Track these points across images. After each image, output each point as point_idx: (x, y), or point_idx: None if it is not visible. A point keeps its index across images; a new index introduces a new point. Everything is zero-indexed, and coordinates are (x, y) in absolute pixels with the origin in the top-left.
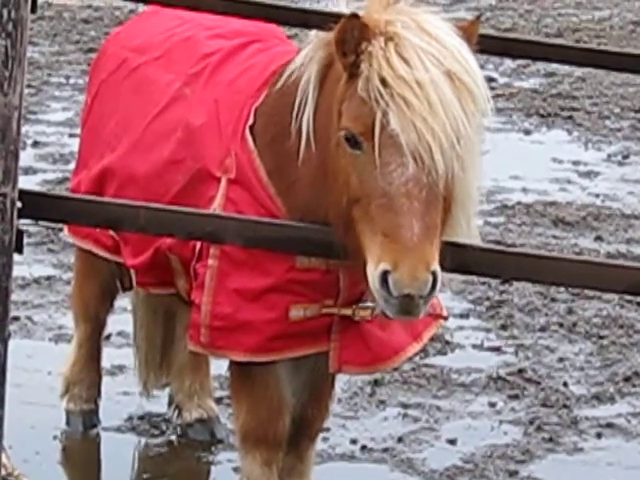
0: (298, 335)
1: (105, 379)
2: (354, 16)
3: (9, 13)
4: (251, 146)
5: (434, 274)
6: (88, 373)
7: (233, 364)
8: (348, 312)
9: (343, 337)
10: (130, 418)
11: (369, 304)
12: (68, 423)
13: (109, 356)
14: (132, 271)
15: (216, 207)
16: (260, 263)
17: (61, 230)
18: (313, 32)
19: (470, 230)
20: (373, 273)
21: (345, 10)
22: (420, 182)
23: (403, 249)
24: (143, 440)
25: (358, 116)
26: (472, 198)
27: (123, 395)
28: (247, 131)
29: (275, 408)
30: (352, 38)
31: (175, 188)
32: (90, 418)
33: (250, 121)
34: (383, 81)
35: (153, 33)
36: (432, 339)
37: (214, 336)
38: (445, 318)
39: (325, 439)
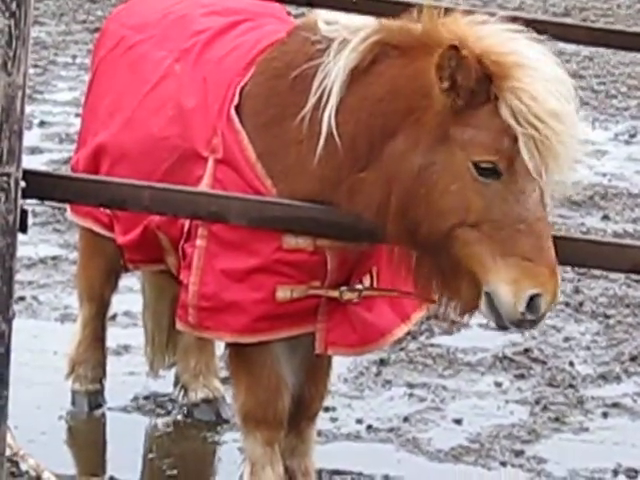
0: (285, 316)
1: (111, 359)
2: (453, 47)
3: None
4: (238, 126)
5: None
6: (93, 353)
7: (229, 345)
8: (335, 294)
9: (329, 319)
10: (136, 398)
11: (357, 286)
12: (74, 403)
13: (115, 336)
14: (123, 248)
15: (204, 187)
16: (247, 244)
17: (67, 210)
18: (316, 12)
19: None
20: (515, 296)
21: None
22: (544, 206)
23: (550, 273)
24: (149, 420)
25: (499, 148)
26: None
27: (129, 375)
28: (232, 111)
29: (274, 388)
30: (449, 67)
31: (164, 166)
32: (95, 398)
33: (235, 101)
34: (535, 115)
35: (151, 11)
36: (437, 318)
37: (201, 316)
38: (433, 301)
39: (331, 419)
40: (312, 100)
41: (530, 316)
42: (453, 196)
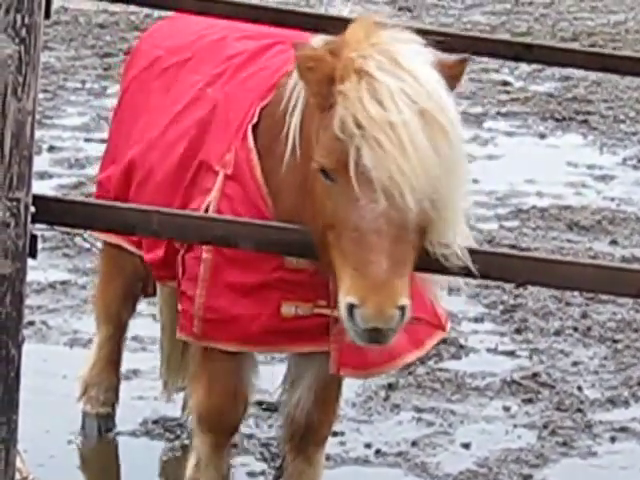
0: (293, 332)
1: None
2: (302, 49)
3: (22, 19)
4: (251, 144)
5: (402, 308)
6: (107, 376)
7: (198, 349)
8: None
9: (342, 340)
10: (145, 422)
11: None
12: (83, 426)
13: (124, 360)
14: (150, 265)
15: (211, 200)
16: (250, 260)
17: (76, 235)
18: (318, 37)
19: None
20: (341, 302)
21: (353, 15)
22: (391, 219)
23: (371, 286)
24: (157, 444)
25: (332, 152)
26: (457, 219)
27: (138, 399)
28: (249, 130)
29: (230, 396)
30: (320, 76)
31: (184, 184)
32: (106, 422)
33: (254, 120)
34: (356, 122)
35: (186, 33)
36: (446, 343)
37: (206, 328)
38: (444, 330)
39: (340, 443)
40: (289, 119)
41: (355, 327)
42: (317, 197)
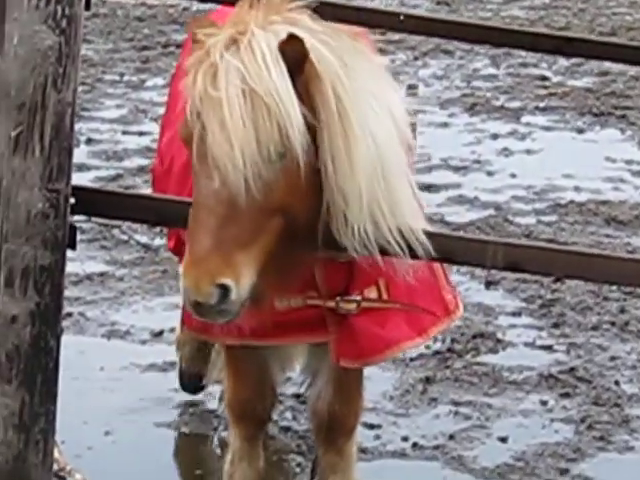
0: (288, 324)
1: (157, 375)
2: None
3: (63, 10)
4: None
5: (223, 287)
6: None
7: (224, 345)
8: (332, 304)
9: (338, 330)
10: (182, 414)
11: (353, 297)
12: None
13: (161, 352)
14: None
15: None
16: None
17: (114, 227)
18: None
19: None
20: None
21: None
22: (220, 197)
23: (191, 261)
24: (195, 436)
25: (186, 125)
26: (356, 206)
27: (174, 392)
28: None
29: (256, 389)
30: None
31: None
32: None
33: None
34: (195, 96)
35: None
36: (483, 337)
37: (205, 322)
38: (451, 318)
39: (377, 437)
40: None
41: (184, 300)
42: None
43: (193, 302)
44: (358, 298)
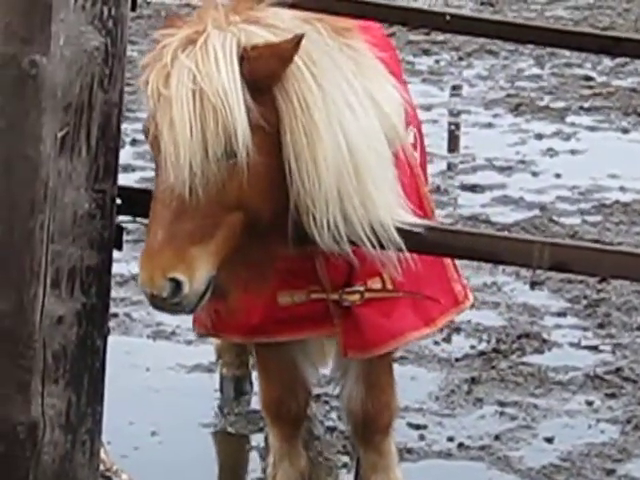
0: (293, 319)
1: (202, 376)
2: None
3: (109, 10)
4: None
5: (174, 281)
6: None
7: (254, 346)
8: (335, 297)
9: (343, 323)
10: (227, 414)
11: (357, 288)
12: (221, 389)
13: (206, 353)
14: None
15: None
16: None
17: None
18: None
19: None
20: None
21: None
22: (173, 192)
23: (145, 254)
24: (241, 437)
25: (147, 119)
26: (321, 200)
27: (220, 392)
28: None
29: (287, 388)
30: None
31: None
32: (241, 384)
33: None
34: (152, 93)
35: None
36: (529, 337)
37: (214, 322)
38: (460, 307)
39: (422, 437)
40: None
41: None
42: None
43: (149, 294)
44: (361, 289)
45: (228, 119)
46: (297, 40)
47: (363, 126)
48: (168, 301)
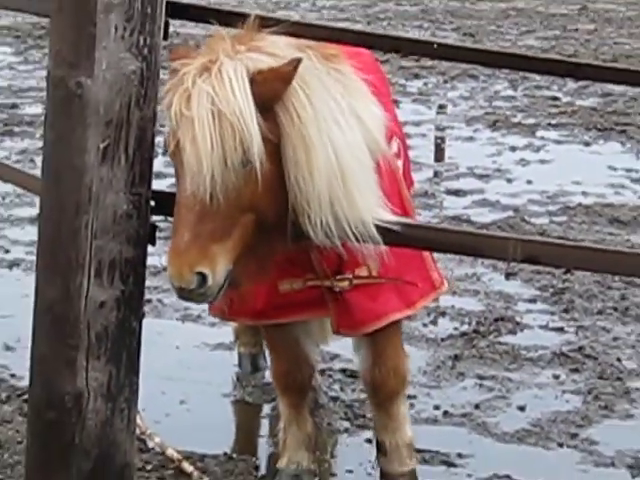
0: (293, 304)
1: (224, 353)
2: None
3: (145, 40)
4: None
5: (201, 274)
6: None
7: (263, 328)
8: (328, 283)
9: (335, 305)
10: (245, 386)
11: (346, 276)
12: (240, 365)
13: (227, 334)
14: None
15: None
16: None
17: None
18: None
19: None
20: None
21: (429, 39)
22: (195, 197)
23: (172, 252)
24: (256, 405)
25: (168, 135)
26: (316, 202)
27: (238, 367)
28: None
29: (292, 362)
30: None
31: None
32: (257, 360)
33: None
34: (172, 115)
35: None
36: (504, 320)
37: (226, 307)
38: (436, 292)
39: (412, 405)
40: None
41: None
42: None
43: (177, 287)
44: (350, 276)
45: (244, 134)
46: (295, 64)
47: (348, 139)
48: (195, 292)
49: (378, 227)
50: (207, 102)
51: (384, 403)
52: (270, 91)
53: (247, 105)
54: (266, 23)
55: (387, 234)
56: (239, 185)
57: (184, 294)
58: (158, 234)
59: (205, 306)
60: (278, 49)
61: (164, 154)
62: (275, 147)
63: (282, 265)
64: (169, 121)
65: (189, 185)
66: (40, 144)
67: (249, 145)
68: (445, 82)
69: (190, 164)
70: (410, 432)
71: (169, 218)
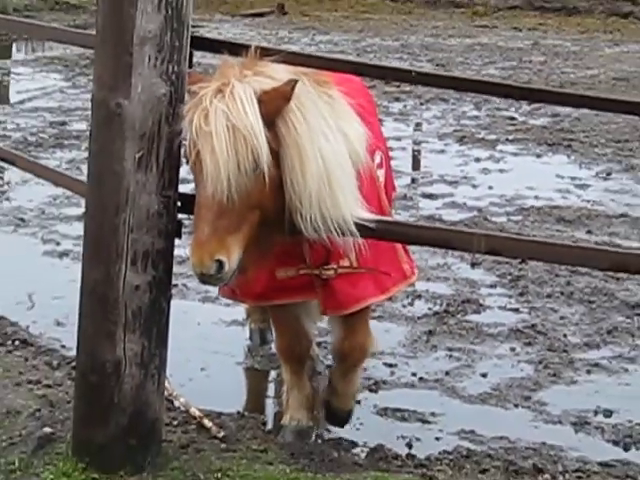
0: (287, 289)
1: (237, 328)
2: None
3: (173, 68)
4: None
5: (219, 262)
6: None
7: (269, 308)
8: (317, 272)
9: (322, 290)
10: (254, 356)
11: (332, 266)
12: (251, 338)
13: (240, 312)
14: None
15: None
16: None
17: None
18: None
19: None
20: None
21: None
22: (213, 199)
23: (195, 244)
24: (264, 372)
25: (187, 147)
26: (306, 201)
27: (249, 340)
28: None
29: (293, 336)
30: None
31: None
32: (265, 334)
33: None
34: (192, 130)
35: None
36: (470, 302)
37: (233, 290)
38: (408, 280)
39: (392, 372)
40: None
41: (192, 272)
42: None
43: (198, 273)
44: (335, 266)
45: (255, 145)
46: (293, 84)
47: (335, 150)
48: (214, 277)
49: (356, 224)
50: (223, 118)
51: (347, 369)
52: (273, 108)
53: (256, 120)
54: (267, 53)
55: (364, 230)
56: (250, 187)
57: (205, 279)
58: (183, 229)
59: None
60: (277, 74)
61: (187, 163)
62: (276, 155)
63: (279, 256)
64: (189, 135)
65: (209, 188)
66: (85, 155)
67: (259, 153)
68: (421, 104)
69: (210, 171)
70: (358, 386)
71: (192, 216)
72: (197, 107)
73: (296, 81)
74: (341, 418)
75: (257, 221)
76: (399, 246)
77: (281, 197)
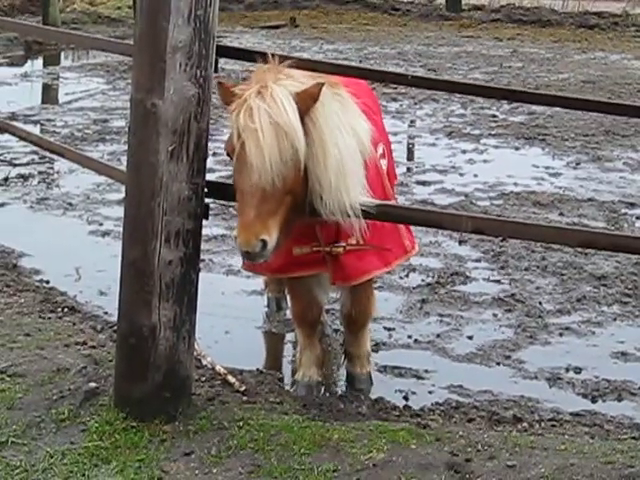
0: (302, 263)
1: (257, 297)
2: (220, 84)
3: (201, 72)
4: None
5: (263, 241)
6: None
7: (286, 280)
8: (328, 249)
9: (332, 265)
10: (271, 321)
11: (341, 244)
12: (268, 305)
13: (259, 283)
14: None
15: None
16: None
17: (230, 206)
18: None
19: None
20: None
21: (401, 71)
22: (256, 186)
23: (242, 226)
24: (281, 335)
25: (230, 143)
26: (326, 188)
27: (267, 308)
28: None
29: (306, 304)
30: (222, 98)
31: None
32: (280, 302)
33: None
34: (238, 126)
35: None
36: (458, 274)
37: (254, 264)
38: (408, 255)
39: (391, 335)
40: None
41: (238, 250)
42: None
43: (244, 252)
44: (344, 244)
45: (294, 138)
46: (320, 86)
47: (347, 143)
48: (258, 254)
49: (362, 207)
50: (266, 116)
51: (356, 332)
52: (305, 107)
53: (294, 117)
54: (283, 60)
55: (367, 212)
56: (286, 175)
57: (250, 256)
58: (210, 212)
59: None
60: (303, 78)
61: (213, 155)
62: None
63: (296, 235)
64: (235, 131)
65: (254, 176)
66: (124, 148)
67: (297, 146)
68: (415, 104)
69: (256, 161)
70: (369, 347)
71: (217, 201)
72: (242, 107)
73: (323, 84)
74: (364, 382)
75: (290, 205)
76: (402, 225)
77: (306, 184)
